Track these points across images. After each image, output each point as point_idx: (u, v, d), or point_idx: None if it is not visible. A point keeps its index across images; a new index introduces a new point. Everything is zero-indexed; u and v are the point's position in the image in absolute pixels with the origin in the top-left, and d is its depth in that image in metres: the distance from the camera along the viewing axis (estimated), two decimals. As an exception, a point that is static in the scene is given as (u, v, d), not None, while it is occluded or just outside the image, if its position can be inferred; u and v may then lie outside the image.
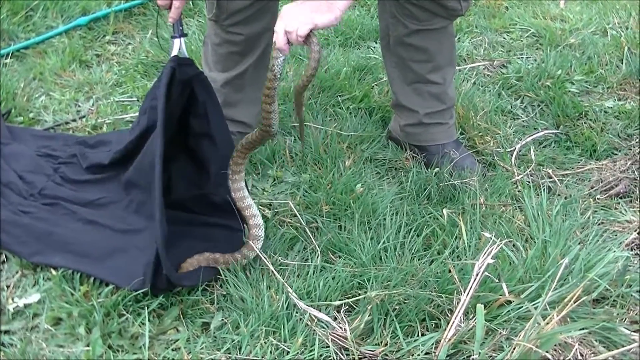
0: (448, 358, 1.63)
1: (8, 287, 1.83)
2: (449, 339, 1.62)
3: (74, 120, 2.57)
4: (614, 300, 1.82)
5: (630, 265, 1.92)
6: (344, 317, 1.74)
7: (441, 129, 2.34)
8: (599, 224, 2.14)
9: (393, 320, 1.72)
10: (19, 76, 2.81)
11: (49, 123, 2.54)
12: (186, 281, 1.81)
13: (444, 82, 2.30)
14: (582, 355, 1.64)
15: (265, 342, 1.67)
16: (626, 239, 2.05)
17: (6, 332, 1.70)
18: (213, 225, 2.02)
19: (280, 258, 1.93)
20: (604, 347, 1.68)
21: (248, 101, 2.29)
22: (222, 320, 1.75)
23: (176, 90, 1.95)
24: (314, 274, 1.87)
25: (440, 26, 2.18)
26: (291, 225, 2.04)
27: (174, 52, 1.97)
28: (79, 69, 2.93)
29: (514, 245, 1.98)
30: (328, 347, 1.66)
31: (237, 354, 1.65)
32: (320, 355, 1.65)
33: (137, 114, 2.25)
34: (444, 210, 2.05)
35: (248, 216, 1.94)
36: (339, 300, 1.78)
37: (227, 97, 2.24)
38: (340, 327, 1.70)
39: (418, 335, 1.71)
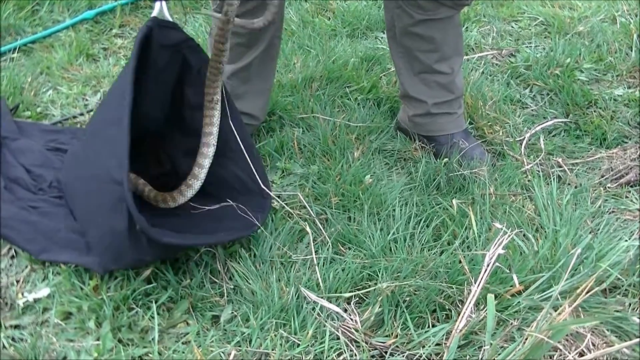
0: (459, 349, 1.62)
1: (18, 281, 1.82)
2: (460, 330, 1.62)
3: (82, 114, 2.56)
4: (626, 290, 1.81)
5: (641, 254, 1.91)
6: (354, 309, 1.73)
7: (449, 118, 2.33)
8: (609, 213, 2.12)
9: (404, 311, 1.72)
10: (26, 71, 2.80)
11: (56, 117, 2.54)
12: (167, 237, 1.70)
13: (451, 72, 2.29)
14: (594, 345, 1.64)
15: (275, 335, 1.66)
16: (637, 228, 2.04)
17: (16, 326, 1.70)
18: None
19: (289, 250, 1.92)
20: (616, 336, 1.67)
21: (254, 93, 2.28)
22: (232, 313, 1.74)
23: (162, 57, 1.91)
24: (323, 265, 1.86)
25: (446, 16, 2.17)
26: (300, 217, 2.04)
27: (154, 14, 1.91)
28: (85, 63, 2.92)
29: (524, 235, 1.97)
30: (338, 339, 1.66)
31: (247, 347, 1.64)
32: (331, 348, 1.64)
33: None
34: (454, 201, 2.04)
35: (200, 152, 1.97)
36: (349, 292, 1.78)
37: (233, 89, 2.23)
38: (351, 319, 1.70)
39: (429, 327, 1.70)
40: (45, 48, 3.01)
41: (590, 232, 1.97)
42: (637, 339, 1.59)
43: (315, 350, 1.63)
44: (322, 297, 1.74)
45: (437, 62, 2.26)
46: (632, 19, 3.25)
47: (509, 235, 1.75)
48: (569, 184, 2.25)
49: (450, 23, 2.21)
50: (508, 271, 1.76)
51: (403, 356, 1.63)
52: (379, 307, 1.70)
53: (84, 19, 3.23)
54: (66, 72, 2.83)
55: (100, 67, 2.89)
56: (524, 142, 2.43)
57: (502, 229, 1.81)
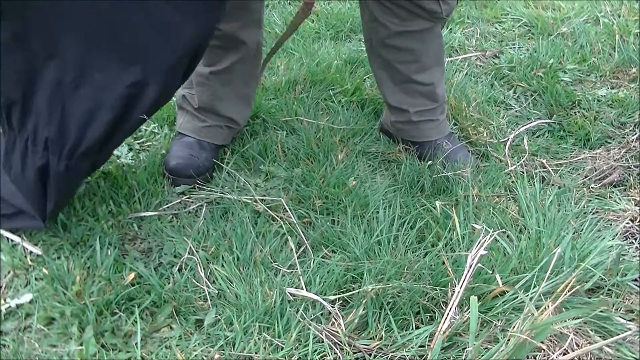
0: (443, 350, 1.62)
1: (0, 287, 1.82)
2: (444, 332, 1.62)
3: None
4: (609, 290, 1.81)
5: (624, 254, 1.92)
6: (338, 312, 1.73)
7: (432, 125, 2.32)
8: (593, 213, 2.13)
9: (387, 313, 1.72)
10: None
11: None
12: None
13: (432, 82, 2.26)
14: (577, 345, 1.64)
15: (259, 338, 1.66)
16: (620, 228, 2.05)
17: (-2, 333, 1.70)
18: None
19: (273, 254, 1.92)
20: (600, 336, 1.68)
21: (235, 97, 2.26)
22: (216, 317, 1.74)
23: None
24: (308, 268, 1.86)
25: (423, 28, 2.13)
26: (284, 221, 2.03)
27: None
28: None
29: (507, 236, 1.97)
30: (322, 342, 1.66)
31: (230, 351, 1.64)
32: (315, 350, 1.64)
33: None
34: (437, 203, 2.05)
35: None
36: (333, 295, 1.78)
37: (214, 90, 2.22)
38: (335, 322, 1.70)
39: (412, 329, 1.70)
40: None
41: (573, 232, 1.98)
42: (619, 336, 1.60)
43: (299, 353, 1.63)
44: (306, 300, 1.74)
45: (416, 72, 2.24)
46: (614, 19, 3.26)
47: (491, 236, 1.75)
48: (552, 185, 2.26)
49: (429, 34, 2.17)
50: (491, 272, 1.76)
51: (386, 358, 1.63)
52: (363, 310, 1.70)
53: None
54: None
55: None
56: (508, 143, 2.44)
57: (482, 229, 1.82)
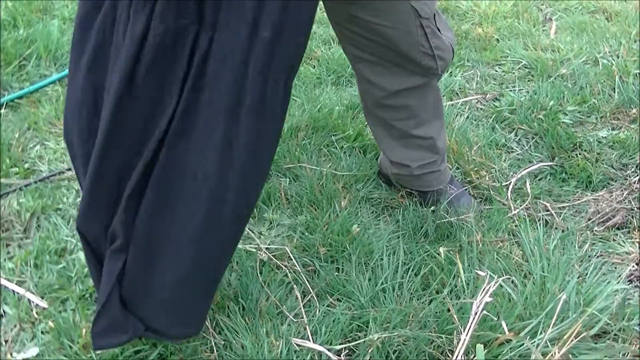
0: (450, 400, 1.62)
1: (6, 341, 1.82)
2: (451, 381, 1.62)
3: (69, 170, 2.56)
4: (615, 335, 1.81)
5: (630, 298, 1.92)
6: (344, 362, 1.73)
7: (434, 176, 2.30)
8: (597, 257, 2.13)
9: (394, 362, 1.72)
10: (13, 127, 2.81)
11: (44, 173, 2.54)
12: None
13: (431, 136, 2.22)
14: (585, 391, 1.64)
15: (265, 390, 1.66)
16: (625, 271, 2.05)
17: (5, 388, 1.70)
18: None
19: (279, 303, 1.92)
20: (607, 383, 1.68)
21: None
22: (222, 368, 1.74)
23: None
24: (314, 317, 1.86)
25: (418, 84, 2.07)
26: (289, 269, 2.04)
27: None
28: (73, 117, 2.93)
29: (512, 282, 1.97)
30: (329, 392, 1.66)
31: (237, 403, 1.64)
32: (322, 402, 1.64)
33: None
34: (441, 249, 2.05)
35: None
36: (339, 344, 1.78)
37: None
38: (341, 372, 1.70)
39: (419, 378, 1.71)
40: (32, 103, 3.02)
41: (578, 277, 1.98)
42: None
43: (306, 404, 1.63)
44: (312, 350, 1.74)
45: (415, 127, 2.19)
46: (613, 60, 3.28)
47: (496, 282, 1.76)
48: (556, 228, 2.26)
49: (426, 89, 2.12)
50: (496, 319, 1.76)
51: (394, 408, 1.63)
52: (369, 359, 1.70)
53: (70, 73, 3.25)
54: (53, 127, 2.84)
55: (87, 121, 2.90)
56: (510, 186, 2.44)
57: (487, 276, 1.82)
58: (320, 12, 2.03)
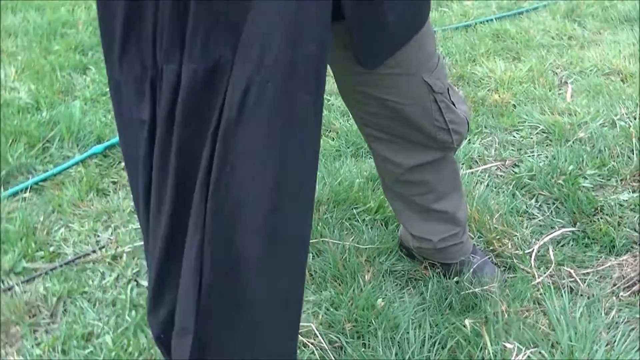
0: None
1: None
2: None
3: (94, 252, 2.59)
4: (647, 404, 1.80)
5: (659, 365, 1.91)
6: None
7: (456, 248, 2.30)
8: (624, 323, 2.12)
9: None
10: (38, 210, 2.85)
11: (69, 256, 2.57)
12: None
13: (451, 210, 2.22)
14: None
15: None
16: (653, 337, 2.04)
17: None
18: None
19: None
20: None
21: None
22: None
23: None
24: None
25: (434, 158, 2.08)
26: (315, 347, 2.04)
27: None
28: (96, 198, 2.97)
29: (539, 352, 1.96)
30: None
31: None
32: None
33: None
34: (467, 321, 2.05)
35: None
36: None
37: None
38: None
39: None
40: (56, 185, 3.07)
41: (606, 345, 1.97)
42: None
43: None
44: None
45: (434, 202, 2.20)
46: (631, 121, 3.30)
47: (524, 354, 1.75)
48: (581, 295, 2.25)
49: (442, 163, 2.13)
50: (526, 392, 1.75)
51: None
52: None
53: (93, 154, 3.30)
54: (77, 209, 2.88)
55: (110, 201, 2.94)
56: (534, 254, 2.44)
57: (514, 348, 1.81)
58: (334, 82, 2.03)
